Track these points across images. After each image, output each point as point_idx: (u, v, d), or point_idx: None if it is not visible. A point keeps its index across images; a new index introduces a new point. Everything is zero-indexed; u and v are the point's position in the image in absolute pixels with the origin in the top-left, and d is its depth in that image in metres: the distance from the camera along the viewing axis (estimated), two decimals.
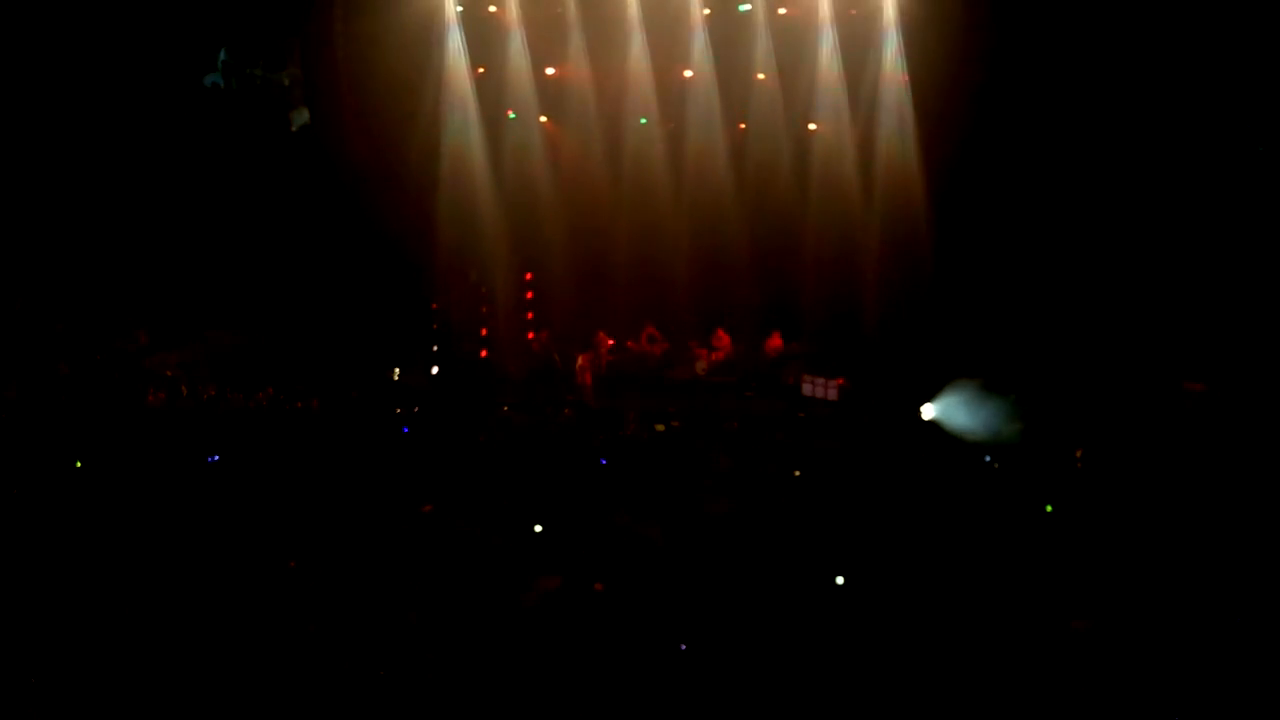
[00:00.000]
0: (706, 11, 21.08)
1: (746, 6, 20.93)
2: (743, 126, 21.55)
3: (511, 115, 21.85)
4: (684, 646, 13.37)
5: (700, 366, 21.42)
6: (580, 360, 20.87)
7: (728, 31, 21.12)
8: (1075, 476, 17.22)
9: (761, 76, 21.24)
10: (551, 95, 21.77)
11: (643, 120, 21.68)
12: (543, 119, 21.90)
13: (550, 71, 21.64)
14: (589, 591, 14.68)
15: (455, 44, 21.41)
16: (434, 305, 21.54)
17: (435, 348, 21.31)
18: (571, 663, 13.14)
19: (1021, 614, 13.88)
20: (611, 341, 21.60)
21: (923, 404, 18.88)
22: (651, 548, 15.71)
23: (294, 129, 21.74)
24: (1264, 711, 12.24)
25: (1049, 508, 16.39)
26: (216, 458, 17.92)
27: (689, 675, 12.96)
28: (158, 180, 21.39)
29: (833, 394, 20.04)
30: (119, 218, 21.22)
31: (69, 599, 14.14)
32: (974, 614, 13.88)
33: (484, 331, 21.79)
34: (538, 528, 16.22)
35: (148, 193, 21.37)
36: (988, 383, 18.66)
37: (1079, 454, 17.43)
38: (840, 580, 14.72)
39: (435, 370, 21.11)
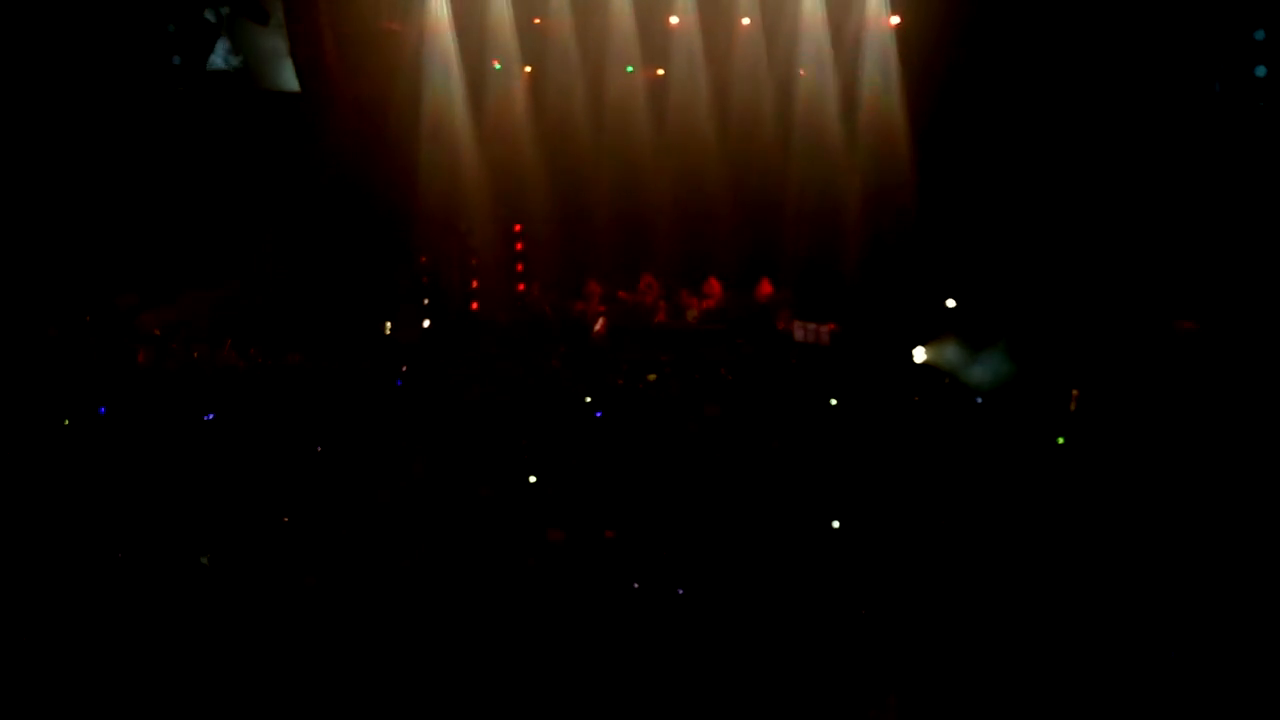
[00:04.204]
0: None
1: None
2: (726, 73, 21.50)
3: (497, 66, 21.77)
4: (681, 591, 13.42)
5: (691, 315, 21.41)
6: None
7: None
8: (1070, 418, 17.24)
9: (746, 21, 21.14)
10: (535, 45, 21.65)
11: (629, 69, 21.60)
12: (527, 69, 21.83)
13: (535, 21, 21.55)
14: (589, 540, 14.72)
15: None
16: (423, 259, 21.49)
17: (426, 301, 21.29)
18: (567, 610, 13.21)
19: (1017, 556, 13.92)
20: (600, 290, 21.60)
21: (914, 346, 18.90)
22: (645, 496, 15.74)
23: None
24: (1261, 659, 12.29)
25: (1060, 439, 16.41)
26: (211, 416, 17.87)
27: (685, 620, 13.02)
28: (137, 140, 21.23)
29: (825, 339, 20.05)
30: (97, 178, 21.03)
31: (62, 557, 14.16)
32: (970, 557, 13.94)
33: (474, 284, 21.76)
34: (532, 479, 16.25)
35: (128, 153, 21.21)
36: (978, 328, 18.68)
37: (1075, 394, 17.44)
38: (836, 525, 14.76)
39: (426, 324, 21.08)
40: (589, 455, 16.91)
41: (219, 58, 21.25)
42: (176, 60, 21.20)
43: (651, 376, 19.28)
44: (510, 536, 14.79)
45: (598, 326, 20.97)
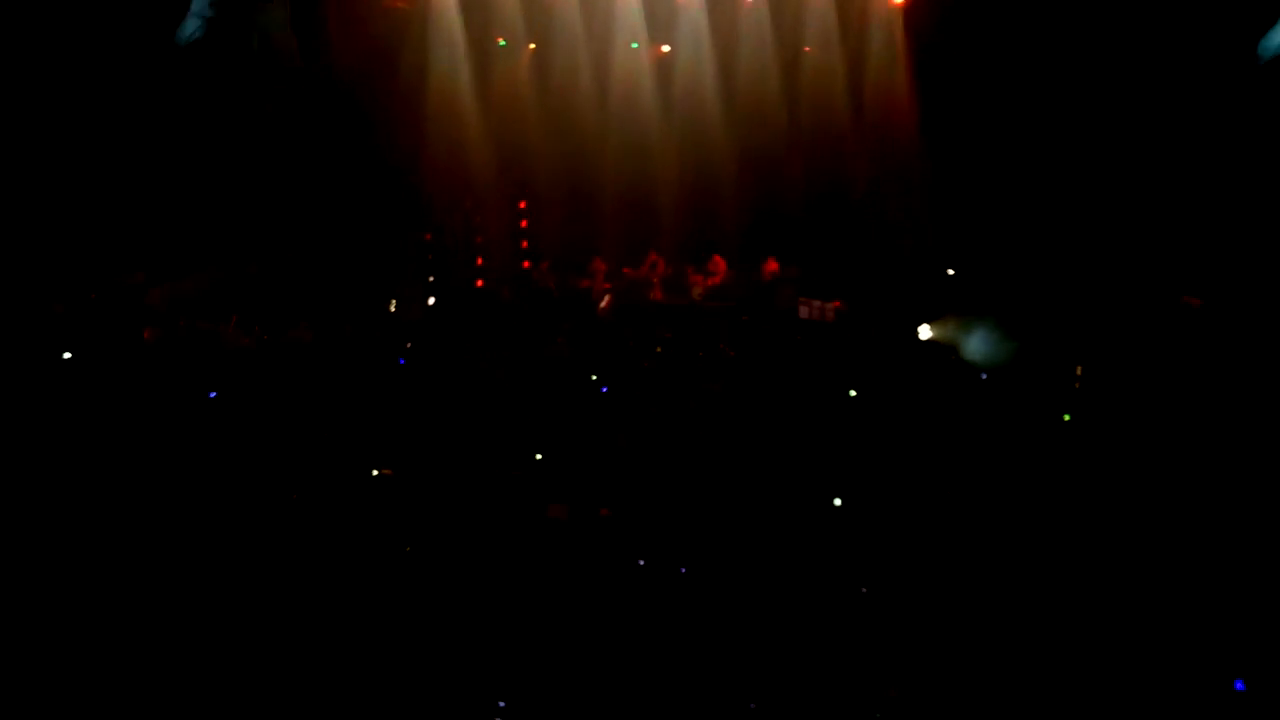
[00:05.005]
0: None
1: None
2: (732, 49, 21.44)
3: (501, 43, 21.73)
4: (683, 570, 13.44)
5: (697, 292, 21.37)
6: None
7: None
8: (1075, 395, 17.22)
9: None
10: (540, 21, 21.61)
11: (634, 45, 21.56)
12: (532, 46, 21.79)
13: None
14: (593, 517, 14.74)
15: None
16: (428, 236, 21.47)
17: (430, 278, 21.27)
18: (571, 587, 13.24)
19: (1023, 534, 13.92)
20: (605, 267, 21.58)
21: (920, 324, 18.89)
22: (648, 472, 15.74)
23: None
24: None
25: (1066, 416, 16.41)
26: (214, 394, 17.88)
27: (688, 599, 13.04)
28: (144, 117, 21.17)
29: (830, 316, 20.02)
30: (103, 155, 20.98)
31: (67, 535, 14.19)
32: (974, 535, 13.94)
33: (479, 261, 21.74)
34: (538, 456, 16.26)
35: (135, 130, 21.15)
36: (983, 305, 18.66)
37: (1079, 371, 17.41)
38: (838, 502, 14.76)
39: (431, 301, 21.08)
40: (595, 432, 16.93)
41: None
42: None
43: (658, 349, 19.28)
44: (517, 513, 14.81)
45: (603, 304, 20.95)
